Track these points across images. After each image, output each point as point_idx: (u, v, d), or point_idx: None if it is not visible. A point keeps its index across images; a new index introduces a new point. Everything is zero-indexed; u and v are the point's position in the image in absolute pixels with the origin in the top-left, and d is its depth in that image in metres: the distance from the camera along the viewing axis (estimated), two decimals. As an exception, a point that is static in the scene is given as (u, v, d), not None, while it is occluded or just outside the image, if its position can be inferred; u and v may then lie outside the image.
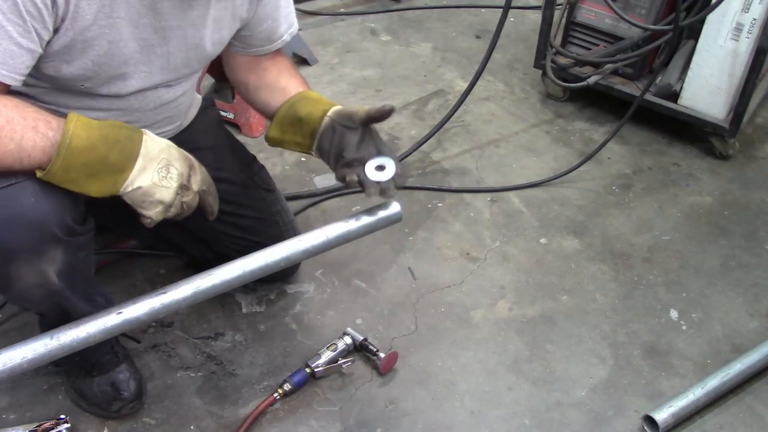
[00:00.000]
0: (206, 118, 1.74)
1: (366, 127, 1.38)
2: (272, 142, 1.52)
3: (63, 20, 1.18)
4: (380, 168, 1.37)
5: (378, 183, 1.34)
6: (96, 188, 1.18)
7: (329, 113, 1.41)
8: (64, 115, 1.16)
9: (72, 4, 1.17)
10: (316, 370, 1.63)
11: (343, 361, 1.66)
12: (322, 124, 1.41)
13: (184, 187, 1.25)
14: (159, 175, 1.21)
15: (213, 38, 1.43)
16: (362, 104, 1.48)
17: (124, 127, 1.20)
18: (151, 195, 1.21)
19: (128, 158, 1.18)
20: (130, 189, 1.19)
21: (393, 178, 1.33)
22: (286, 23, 1.57)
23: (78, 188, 1.17)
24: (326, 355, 1.66)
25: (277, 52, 1.60)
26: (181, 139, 1.62)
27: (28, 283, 1.22)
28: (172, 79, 1.44)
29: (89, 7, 1.19)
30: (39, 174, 1.15)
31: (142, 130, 1.23)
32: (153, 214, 1.23)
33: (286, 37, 1.58)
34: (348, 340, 1.70)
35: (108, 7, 1.21)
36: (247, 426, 1.52)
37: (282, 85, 1.55)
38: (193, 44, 1.40)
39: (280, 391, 1.59)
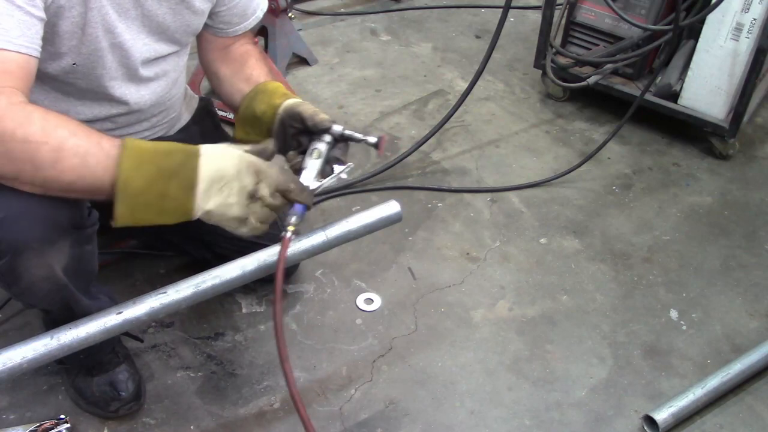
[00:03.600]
0: (204, 121, 1.73)
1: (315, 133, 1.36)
2: (240, 143, 1.38)
3: None
4: (369, 301, 1.85)
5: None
6: (171, 220, 1.13)
7: (279, 111, 1.38)
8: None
9: None
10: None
11: (340, 170, 1.34)
12: (274, 124, 1.38)
13: (251, 197, 1.16)
14: (221, 194, 1.13)
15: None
16: (314, 107, 1.39)
17: (177, 151, 1.13)
18: (224, 215, 1.14)
19: (189, 188, 1.11)
20: (202, 215, 1.14)
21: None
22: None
23: (154, 223, 1.12)
24: (312, 166, 1.32)
25: (249, 39, 1.58)
26: (178, 140, 1.61)
27: (36, 276, 1.21)
28: (158, 42, 1.39)
29: None
30: (113, 222, 1.10)
31: (198, 147, 1.15)
32: (241, 232, 1.18)
33: (259, 13, 1.56)
34: (327, 138, 1.35)
35: None
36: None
37: (247, 74, 1.50)
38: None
39: (291, 228, 1.24)
